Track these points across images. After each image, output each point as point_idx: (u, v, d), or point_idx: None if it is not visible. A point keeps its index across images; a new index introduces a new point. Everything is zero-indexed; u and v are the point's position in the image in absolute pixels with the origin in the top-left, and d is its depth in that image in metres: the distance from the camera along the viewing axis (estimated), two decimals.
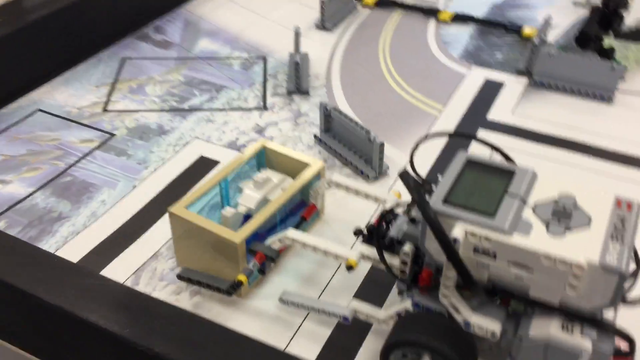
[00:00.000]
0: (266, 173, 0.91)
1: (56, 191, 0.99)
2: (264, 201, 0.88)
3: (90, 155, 1.07)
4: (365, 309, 0.76)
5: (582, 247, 0.60)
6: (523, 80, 1.29)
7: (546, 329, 0.63)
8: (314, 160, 0.92)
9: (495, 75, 1.31)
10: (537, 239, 0.62)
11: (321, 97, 1.23)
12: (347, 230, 0.90)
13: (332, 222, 0.95)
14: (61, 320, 0.72)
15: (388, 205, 0.80)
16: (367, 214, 0.96)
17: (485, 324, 0.67)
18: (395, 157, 1.08)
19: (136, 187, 1.01)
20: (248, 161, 0.93)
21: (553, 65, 1.24)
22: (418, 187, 0.66)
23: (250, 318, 0.80)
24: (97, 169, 1.04)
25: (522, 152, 1.09)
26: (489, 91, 1.26)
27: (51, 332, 0.77)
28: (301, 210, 0.91)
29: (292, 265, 0.88)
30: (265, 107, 1.21)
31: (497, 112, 1.20)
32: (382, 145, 1.00)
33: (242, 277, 0.77)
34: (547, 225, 0.63)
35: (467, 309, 0.68)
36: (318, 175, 0.91)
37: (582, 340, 0.62)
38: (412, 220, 0.74)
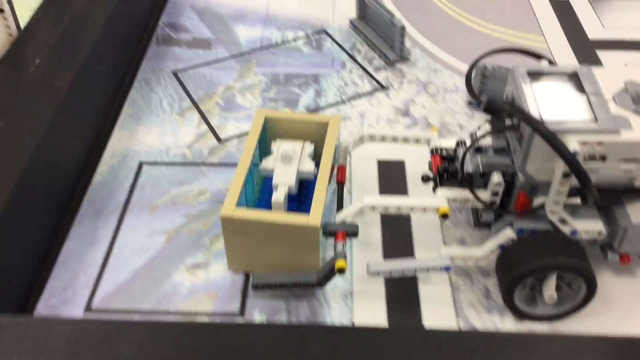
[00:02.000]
0: (282, 144, 0.80)
1: None
2: (299, 174, 0.78)
3: None
4: (460, 252, 0.75)
5: None
6: None
7: None
8: (328, 116, 0.84)
9: None
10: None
11: (424, 60, 1.13)
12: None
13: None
14: None
15: (440, 143, 0.79)
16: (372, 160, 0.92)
17: (591, 227, 0.70)
18: None
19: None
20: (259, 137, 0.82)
21: None
22: (519, 107, 0.65)
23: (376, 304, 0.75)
24: None
25: None
26: (565, 12, 1.25)
27: None
28: (333, 175, 0.83)
29: None
30: (382, 86, 1.07)
31: (592, 31, 1.19)
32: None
33: (341, 263, 0.69)
34: (636, 114, 0.66)
35: (572, 219, 0.70)
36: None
37: None
38: (478, 150, 0.74)
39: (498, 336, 0.62)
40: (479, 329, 0.72)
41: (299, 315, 0.74)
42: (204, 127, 0.99)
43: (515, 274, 0.68)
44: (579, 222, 0.70)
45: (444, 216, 0.72)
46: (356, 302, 0.75)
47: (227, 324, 0.70)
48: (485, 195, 0.72)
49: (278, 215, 0.71)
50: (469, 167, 0.72)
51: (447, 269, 0.72)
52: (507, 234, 0.71)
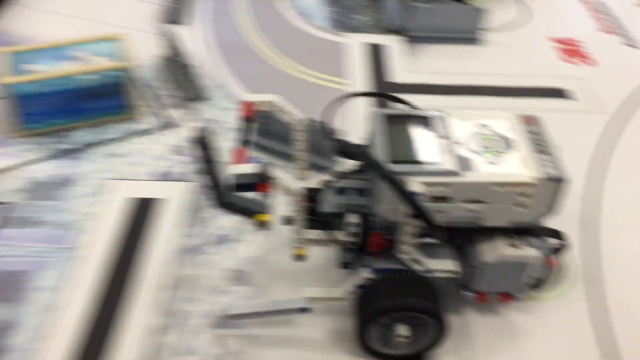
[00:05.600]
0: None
1: None
2: None
3: None
4: (319, 292, 0.73)
5: (521, 167, 0.65)
6: (399, 39, 1.30)
7: (498, 251, 0.68)
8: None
9: (372, 39, 1.31)
10: (482, 170, 0.65)
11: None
12: None
13: None
14: None
15: (309, 184, 0.73)
16: None
17: (445, 266, 0.71)
18: None
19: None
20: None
21: (427, 18, 1.28)
22: (366, 150, 0.65)
23: None
24: (15, 252, 0.80)
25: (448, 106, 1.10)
26: (378, 55, 1.25)
27: None
28: None
29: None
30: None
31: (401, 74, 1.20)
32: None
33: None
34: (481, 156, 0.66)
35: (425, 259, 0.71)
36: None
37: (529, 250, 0.68)
38: (341, 191, 0.71)
39: None
40: None
41: None
42: None
43: (371, 311, 0.68)
44: (433, 261, 0.71)
45: (299, 257, 0.70)
46: None
47: None
48: (342, 236, 0.70)
49: None
50: (328, 209, 0.70)
51: (302, 310, 0.70)
52: (363, 275, 0.70)
